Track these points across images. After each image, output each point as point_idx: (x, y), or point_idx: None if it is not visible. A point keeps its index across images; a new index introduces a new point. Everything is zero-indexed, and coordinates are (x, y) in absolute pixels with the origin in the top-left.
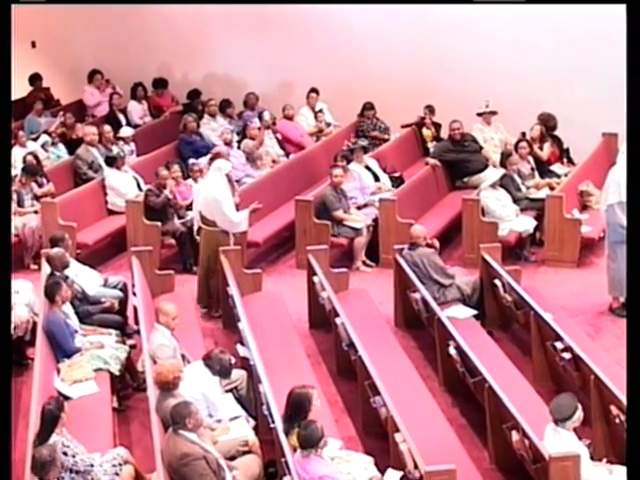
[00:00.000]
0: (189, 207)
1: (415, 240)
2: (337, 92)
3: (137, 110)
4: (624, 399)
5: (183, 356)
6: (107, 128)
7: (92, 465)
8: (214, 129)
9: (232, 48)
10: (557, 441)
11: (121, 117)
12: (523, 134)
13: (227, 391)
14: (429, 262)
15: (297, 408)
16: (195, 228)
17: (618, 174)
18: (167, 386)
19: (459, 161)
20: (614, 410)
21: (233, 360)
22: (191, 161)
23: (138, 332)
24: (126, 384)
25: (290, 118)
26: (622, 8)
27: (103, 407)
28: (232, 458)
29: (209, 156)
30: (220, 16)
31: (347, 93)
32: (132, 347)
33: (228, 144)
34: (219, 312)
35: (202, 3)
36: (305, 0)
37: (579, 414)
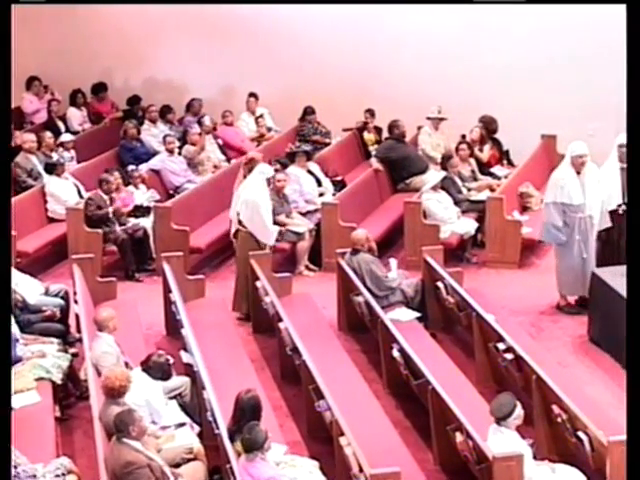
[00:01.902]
0: (130, 214)
1: (355, 245)
2: (278, 96)
3: (77, 117)
4: (565, 399)
5: (126, 363)
6: (48, 134)
7: (35, 476)
8: (155, 135)
9: (173, 53)
10: (500, 440)
11: (60, 124)
12: (463, 136)
13: (171, 398)
14: (366, 270)
15: (251, 413)
16: (232, 231)
17: (557, 175)
18: (114, 393)
19: (403, 159)
20: (556, 409)
21: (171, 360)
22: (131, 167)
23: (80, 340)
24: (69, 393)
25: (230, 124)
26: (560, 8)
27: (45, 417)
28: (177, 465)
29: (244, 160)
30: (161, 21)
31: (288, 97)
32: (74, 355)
33: (171, 152)
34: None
35: (146, 3)
36: (252, 1)
37: (519, 411)
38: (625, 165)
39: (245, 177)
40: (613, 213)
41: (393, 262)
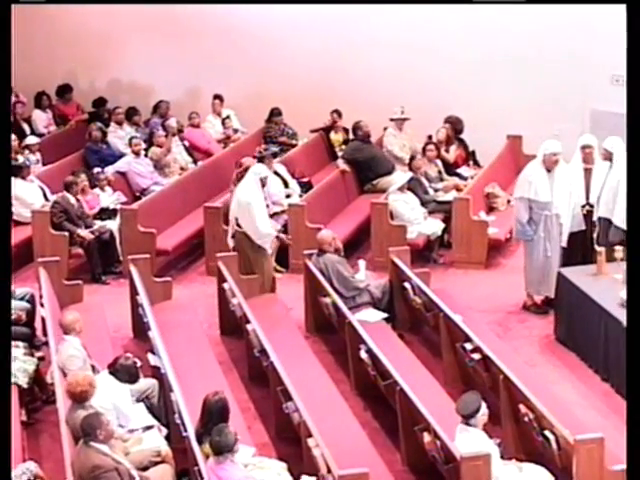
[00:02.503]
0: (96, 216)
1: (322, 246)
2: (245, 98)
3: (42, 119)
4: (532, 398)
5: (93, 367)
6: (13, 137)
7: None
8: (121, 137)
9: (138, 55)
10: (467, 439)
11: (25, 126)
12: (430, 137)
13: (138, 400)
14: (333, 270)
15: (219, 415)
16: (230, 232)
17: (527, 172)
18: (77, 398)
19: (370, 160)
20: (523, 409)
21: (139, 363)
22: (96, 170)
23: (47, 344)
24: (35, 397)
25: (196, 126)
26: (526, 8)
27: (11, 421)
28: (145, 469)
29: (236, 168)
30: (126, 22)
31: (255, 99)
32: (40, 359)
33: (137, 154)
34: None
35: (109, 3)
36: (219, 1)
37: (484, 409)
38: (589, 166)
39: (235, 185)
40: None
41: (362, 263)
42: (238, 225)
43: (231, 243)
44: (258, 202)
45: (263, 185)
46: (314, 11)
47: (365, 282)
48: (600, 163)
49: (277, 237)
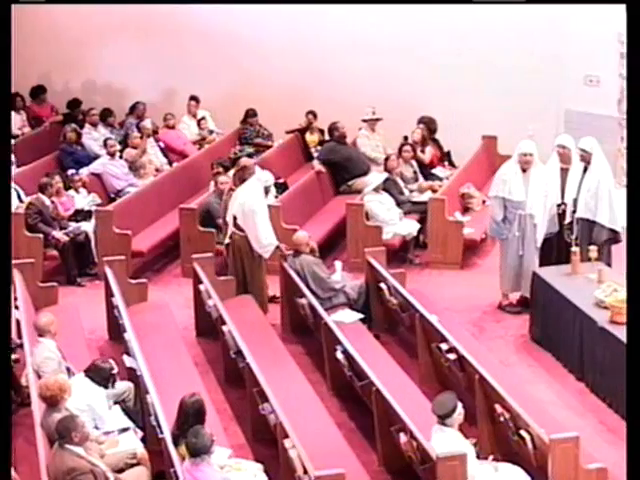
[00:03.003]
0: (71, 218)
1: (298, 247)
2: (220, 99)
3: (16, 121)
4: (508, 397)
5: (68, 369)
6: None
7: None
8: (96, 139)
9: (113, 56)
10: (443, 439)
11: None
12: (406, 138)
13: (114, 403)
14: (309, 271)
15: (195, 417)
16: (229, 234)
17: (502, 170)
18: (49, 401)
19: (345, 161)
20: (498, 409)
21: (115, 369)
22: (71, 172)
23: (21, 346)
24: (10, 399)
25: (171, 127)
26: (497, 8)
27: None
28: (120, 471)
29: (235, 168)
30: (100, 23)
31: (230, 100)
32: (15, 362)
33: (112, 155)
34: None
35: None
36: (193, 1)
37: (460, 409)
38: (566, 166)
39: (236, 185)
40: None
41: (338, 264)
42: (236, 226)
43: (226, 241)
44: (263, 211)
45: (266, 192)
46: (289, 12)
47: (341, 283)
48: (577, 164)
49: (277, 247)
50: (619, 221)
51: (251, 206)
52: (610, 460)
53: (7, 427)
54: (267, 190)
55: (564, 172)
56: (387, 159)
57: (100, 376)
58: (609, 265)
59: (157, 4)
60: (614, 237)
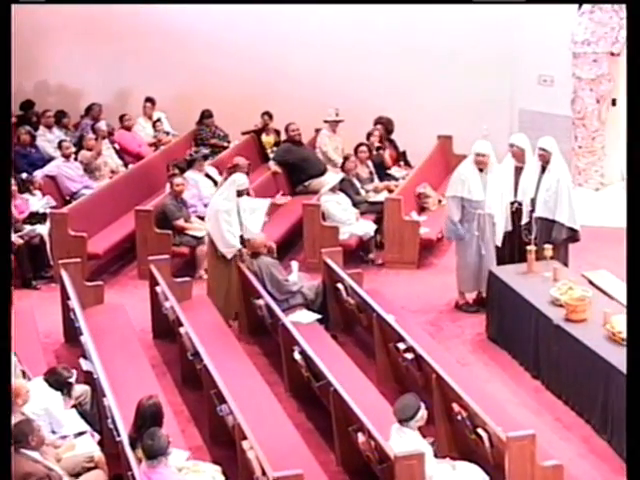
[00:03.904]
0: (25, 221)
1: (257, 249)
2: (175, 101)
3: None
4: (465, 396)
5: (24, 372)
6: None
7: None
8: (50, 141)
9: (66, 56)
10: (402, 441)
11: None
12: (368, 138)
13: (71, 406)
14: (267, 273)
15: (152, 419)
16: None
17: (460, 170)
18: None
19: (301, 161)
20: (456, 407)
21: (74, 377)
22: (25, 174)
23: None
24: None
25: (128, 128)
26: (456, 7)
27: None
28: (77, 475)
29: (228, 165)
30: (50, 23)
31: (185, 101)
32: None
33: (67, 157)
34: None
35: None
36: (150, 1)
37: (422, 413)
38: (520, 164)
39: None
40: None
41: (294, 265)
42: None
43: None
44: (228, 211)
45: (240, 195)
46: (246, 11)
47: (298, 285)
48: (532, 162)
49: (239, 251)
50: (578, 220)
51: (217, 206)
52: (566, 457)
53: (7, 427)
54: (241, 193)
55: (518, 171)
56: (346, 160)
57: (57, 381)
58: (566, 264)
59: (113, 4)
60: (573, 236)
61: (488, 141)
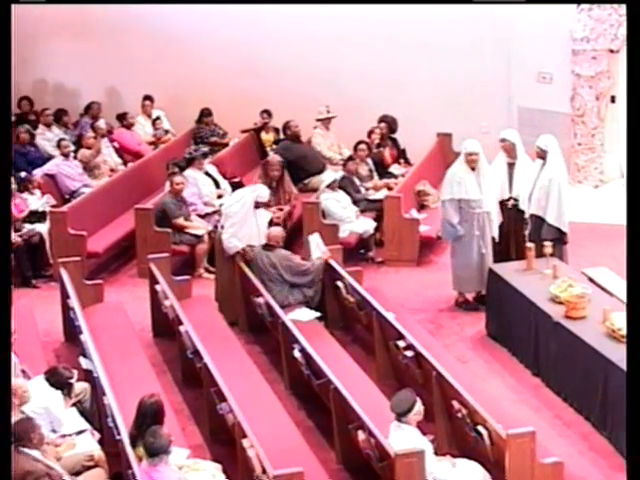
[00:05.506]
0: (25, 220)
1: (274, 241)
2: (174, 99)
3: None
4: (465, 394)
5: (24, 371)
6: None
7: None
8: (50, 139)
9: (64, 55)
10: (401, 437)
11: None
12: (369, 135)
13: (71, 405)
14: (284, 265)
15: (153, 417)
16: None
17: (453, 172)
18: None
19: (300, 159)
20: (455, 405)
21: (75, 378)
22: (24, 173)
23: None
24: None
25: (129, 127)
26: (456, 6)
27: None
28: (78, 473)
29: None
30: (50, 22)
31: (184, 100)
32: None
33: (66, 156)
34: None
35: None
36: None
37: (418, 407)
38: (512, 160)
39: (260, 178)
40: (501, 206)
41: (312, 239)
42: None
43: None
44: (240, 218)
45: (257, 207)
46: (245, 10)
47: (307, 264)
48: (523, 158)
49: (238, 252)
50: (565, 221)
51: (232, 208)
52: (566, 454)
53: (7, 426)
54: (258, 205)
55: (510, 166)
56: (348, 160)
57: (58, 381)
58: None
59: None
60: (561, 237)
61: (487, 139)
